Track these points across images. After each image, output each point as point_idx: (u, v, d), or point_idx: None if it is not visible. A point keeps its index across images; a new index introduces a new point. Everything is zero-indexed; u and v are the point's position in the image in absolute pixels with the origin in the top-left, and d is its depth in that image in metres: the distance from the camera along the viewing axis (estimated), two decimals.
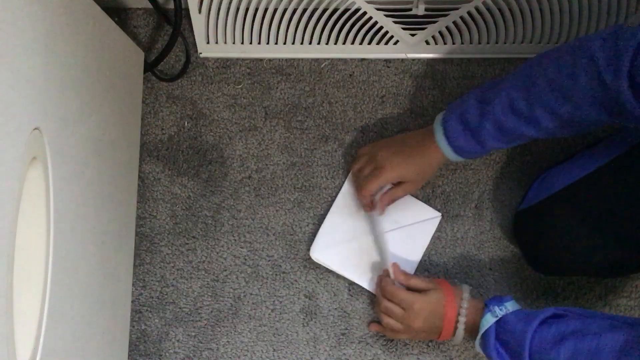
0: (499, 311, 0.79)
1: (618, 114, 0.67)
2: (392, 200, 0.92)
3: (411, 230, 0.97)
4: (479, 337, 0.80)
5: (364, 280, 0.95)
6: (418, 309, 0.84)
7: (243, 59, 1.03)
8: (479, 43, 0.99)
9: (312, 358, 0.96)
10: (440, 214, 0.97)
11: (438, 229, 0.98)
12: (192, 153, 1.01)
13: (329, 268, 0.96)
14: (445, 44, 1.00)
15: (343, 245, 0.95)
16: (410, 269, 0.96)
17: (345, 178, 0.99)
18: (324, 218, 0.97)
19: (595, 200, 0.84)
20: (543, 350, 0.72)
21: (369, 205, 0.92)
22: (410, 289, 0.87)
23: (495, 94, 0.76)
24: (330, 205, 0.97)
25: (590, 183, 0.85)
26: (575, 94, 0.69)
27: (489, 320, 0.79)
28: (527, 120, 0.74)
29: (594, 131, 0.98)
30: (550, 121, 0.73)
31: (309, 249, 0.96)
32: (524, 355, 0.73)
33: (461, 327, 0.83)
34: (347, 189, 0.98)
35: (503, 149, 0.99)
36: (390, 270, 0.90)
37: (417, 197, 0.98)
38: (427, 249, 0.97)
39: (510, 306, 0.80)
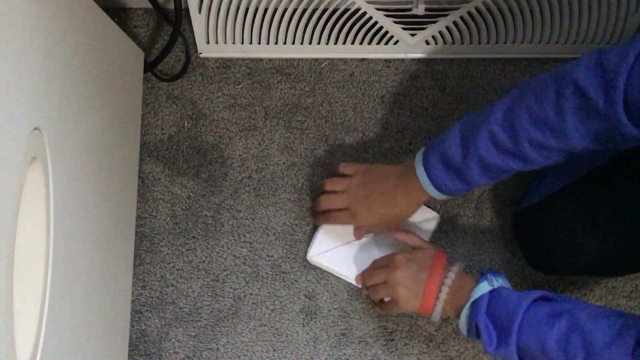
0: (496, 282, 0.76)
1: (606, 140, 0.66)
2: (369, 231, 0.94)
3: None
4: (468, 304, 0.76)
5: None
6: (401, 260, 0.83)
7: (243, 59, 1.03)
8: (479, 43, 1.00)
9: (312, 358, 0.96)
10: (438, 215, 0.97)
11: (437, 229, 0.97)
12: (192, 153, 1.01)
13: (326, 270, 0.96)
14: (445, 44, 1.00)
15: (340, 247, 0.95)
16: None
17: None
18: None
19: (594, 198, 0.84)
20: (535, 324, 0.70)
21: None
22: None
23: (477, 130, 0.73)
24: None
25: (588, 182, 0.85)
26: (562, 126, 0.67)
27: (484, 288, 0.76)
28: (513, 155, 0.73)
29: None
30: (538, 154, 0.71)
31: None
32: (512, 328, 0.70)
33: (445, 289, 0.79)
34: None
35: None
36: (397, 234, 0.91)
37: None
38: None
39: (503, 282, 0.78)
